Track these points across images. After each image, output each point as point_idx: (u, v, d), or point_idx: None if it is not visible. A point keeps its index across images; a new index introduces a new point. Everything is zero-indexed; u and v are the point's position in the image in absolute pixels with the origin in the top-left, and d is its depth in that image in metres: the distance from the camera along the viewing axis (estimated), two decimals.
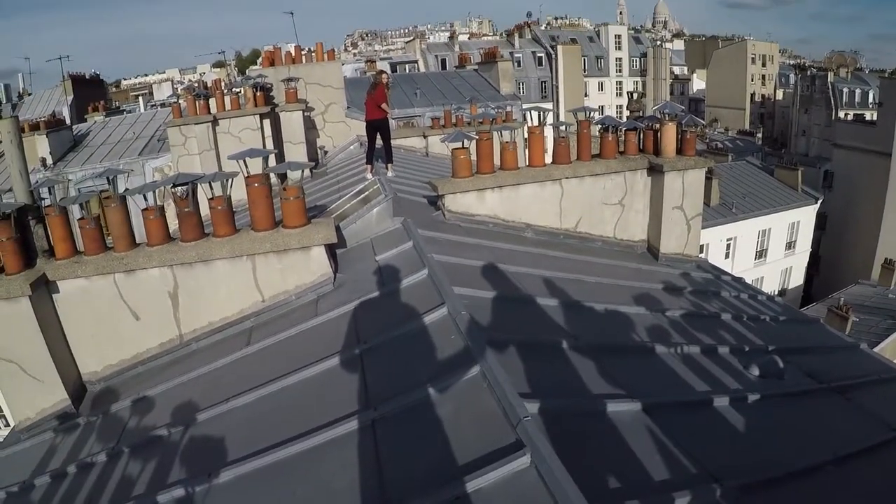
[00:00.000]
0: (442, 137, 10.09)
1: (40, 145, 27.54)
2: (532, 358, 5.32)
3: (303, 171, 7.56)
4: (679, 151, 10.40)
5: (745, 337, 7.60)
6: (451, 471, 3.85)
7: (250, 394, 5.71)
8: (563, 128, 10.63)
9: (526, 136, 10.38)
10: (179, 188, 7.13)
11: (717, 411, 5.30)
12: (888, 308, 33.60)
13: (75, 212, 7.31)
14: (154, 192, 7.25)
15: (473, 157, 9.81)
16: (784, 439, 5.33)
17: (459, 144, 9.63)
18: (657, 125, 10.56)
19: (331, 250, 7.92)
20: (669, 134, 10.30)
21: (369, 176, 13.46)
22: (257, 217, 7.45)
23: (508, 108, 25.85)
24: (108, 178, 7.35)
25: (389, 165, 14.23)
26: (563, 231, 10.37)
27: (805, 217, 44.68)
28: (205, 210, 7.33)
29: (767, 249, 43.33)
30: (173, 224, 7.47)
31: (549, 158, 10.27)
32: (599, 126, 10.63)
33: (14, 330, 6.81)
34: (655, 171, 10.39)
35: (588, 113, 10.46)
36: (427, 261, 7.09)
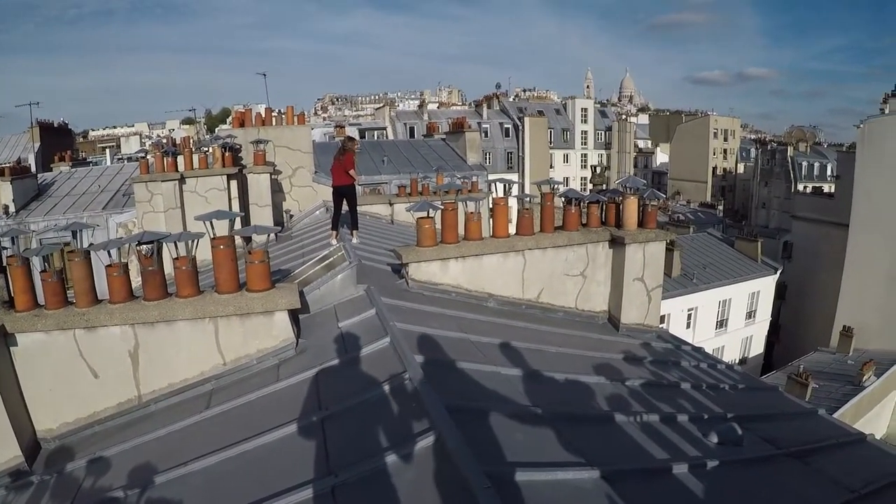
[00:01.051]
0: (407, 206, 10.19)
1: (3, 192, 27.32)
2: (492, 426, 5.36)
3: (269, 236, 7.64)
4: (640, 224, 10.59)
5: (703, 405, 7.70)
6: None
7: (209, 457, 5.66)
8: (527, 199, 10.78)
9: (491, 206, 10.52)
10: (144, 246, 7.12)
11: (676, 478, 5.35)
12: (846, 374, 34.06)
13: (37, 264, 7.26)
14: (118, 248, 7.24)
15: (438, 227, 9.90)
16: None
17: (424, 214, 9.75)
18: (619, 198, 10.75)
19: (294, 315, 7.91)
20: (631, 207, 10.51)
21: (334, 242, 13.63)
22: (222, 279, 7.45)
23: (475, 178, 26.21)
24: (72, 232, 7.36)
25: (354, 232, 14.37)
26: (525, 301, 10.44)
27: (765, 287, 45.87)
28: (169, 269, 7.32)
29: (728, 319, 44.14)
30: (136, 282, 7.44)
31: (513, 229, 10.42)
32: (563, 198, 10.80)
33: None
34: (617, 243, 10.55)
35: (552, 185, 10.66)
36: (389, 329, 7.16)
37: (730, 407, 7.82)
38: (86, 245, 7.36)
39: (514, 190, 11.00)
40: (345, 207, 14.58)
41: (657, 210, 10.94)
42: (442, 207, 9.81)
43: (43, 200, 29.47)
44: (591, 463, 5.04)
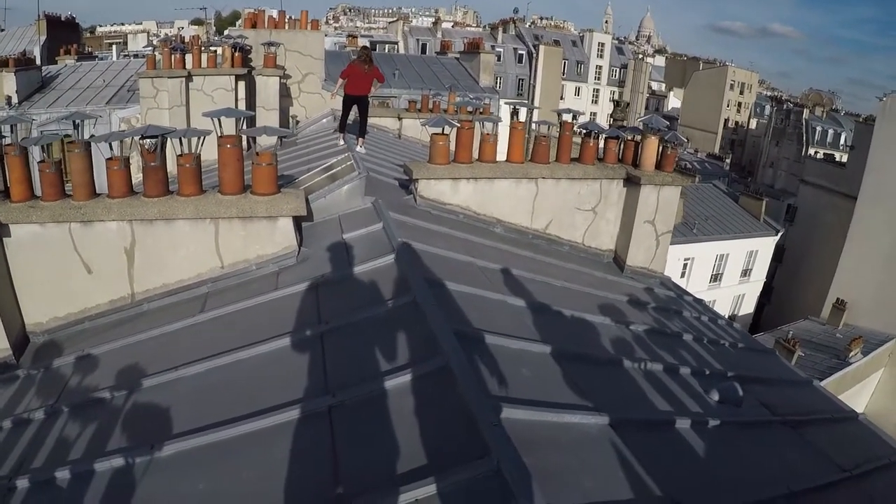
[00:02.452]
0: (422, 121, 9.85)
1: (7, 83, 26.74)
2: (500, 358, 5.14)
3: (278, 139, 7.31)
4: (658, 166, 10.29)
5: (704, 360, 7.50)
6: (411, 469, 3.69)
7: (201, 364, 5.44)
8: (545, 127, 10.42)
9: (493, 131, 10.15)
10: (148, 140, 6.79)
11: (678, 433, 5.21)
12: (834, 347, 33.89)
13: (36, 154, 6.93)
14: (121, 141, 6.95)
15: (451, 146, 9.60)
16: (741, 468, 5.26)
17: (440, 130, 9.40)
18: (639, 137, 10.42)
19: (297, 223, 7.65)
20: (651, 147, 10.17)
21: (341, 143, 14.08)
22: (226, 179, 7.15)
23: (486, 101, 25.60)
24: (73, 122, 7.01)
25: (361, 140, 14.13)
26: (532, 231, 10.19)
27: (764, 247, 45.27)
28: (172, 167, 7.04)
29: (723, 274, 43.69)
30: (137, 177, 7.15)
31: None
32: (582, 130, 10.46)
33: None
34: (632, 182, 10.24)
35: (574, 115, 10.33)
36: (396, 245, 6.89)
37: (729, 365, 7.62)
38: (87, 137, 7.03)
39: (536, 116, 10.55)
40: (353, 116, 14.56)
41: (676, 154, 10.57)
42: (458, 125, 9.45)
43: (46, 93, 28.87)
44: (598, 408, 4.85)
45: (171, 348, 6.08)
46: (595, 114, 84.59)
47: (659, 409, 5.58)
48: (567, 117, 10.22)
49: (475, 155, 9.82)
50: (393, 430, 4.11)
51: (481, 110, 20.03)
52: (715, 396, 6.17)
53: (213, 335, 6.11)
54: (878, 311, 36.42)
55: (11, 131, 7.06)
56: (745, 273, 45.16)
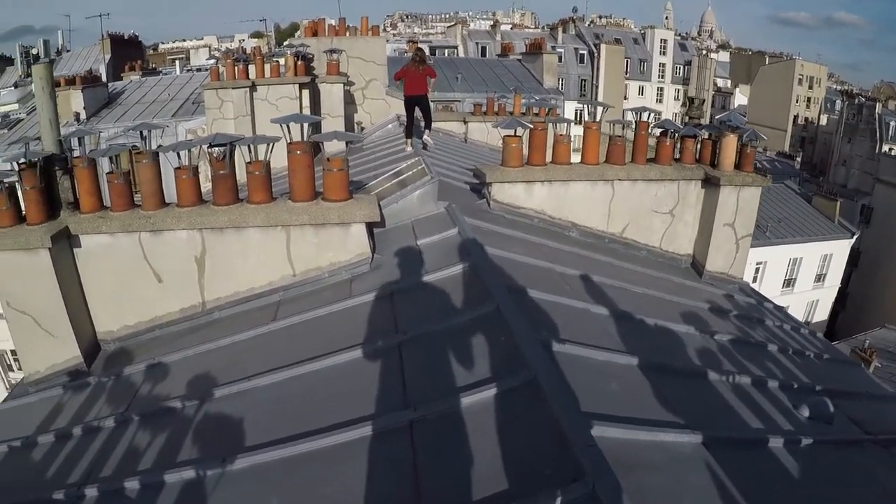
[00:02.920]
0: (493, 124, 9.56)
1: (75, 100, 27.54)
2: (588, 371, 4.86)
3: (347, 144, 7.12)
4: (737, 166, 9.81)
5: (791, 372, 7.14)
6: (498, 491, 3.43)
7: (274, 374, 5.26)
8: (619, 127, 10.06)
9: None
10: (216, 149, 6.69)
11: (771, 453, 4.86)
12: None
13: (104, 165, 6.89)
14: (188, 150, 6.85)
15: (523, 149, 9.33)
16: (835, 490, 4.93)
17: (512, 132, 9.13)
18: (717, 135, 9.98)
19: (370, 229, 7.43)
20: (730, 146, 9.70)
21: (409, 148, 14.11)
22: (297, 186, 6.99)
23: (552, 102, 25.25)
24: (140, 133, 6.93)
25: (427, 132, 14.76)
26: (608, 235, 9.85)
27: (839, 251, 43.46)
28: (240, 175, 6.93)
29: (796, 279, 42.25)
30: (206, 186, 7.04)
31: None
32: (657, 130, 10.12)
33: (31, 282, 6.46)
34: (711, 183, 9.79)
35: (650, 114, 9.96)
36: (473, 251, 6.64)
37: (816, 378, 7.23)
38: (154, 147, 6.96)
39: (612, 114, 10.18)
40: (417, 114, 14.92)
41: (755, 152, 10.09)
42: (531, 126, 9.17)
43: (113, 108, 29.63)
44: (690, 426, 4.51)
45: (243, 357, 5.93)
46: (660, 113, 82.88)
47: (750, 425, 5.26)
48: (644, 116, 9.83)
49: (548, 157, 9.52)
50: (478, 447, 3.84)
51: (549, 110, 19.70)
52: (805, 412, 5.86)
53: (287, 344, 5.93)
54: None
55: (79, 144, 7.01)
56: (819, 278, 43.47)
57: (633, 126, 9.86)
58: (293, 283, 7.10)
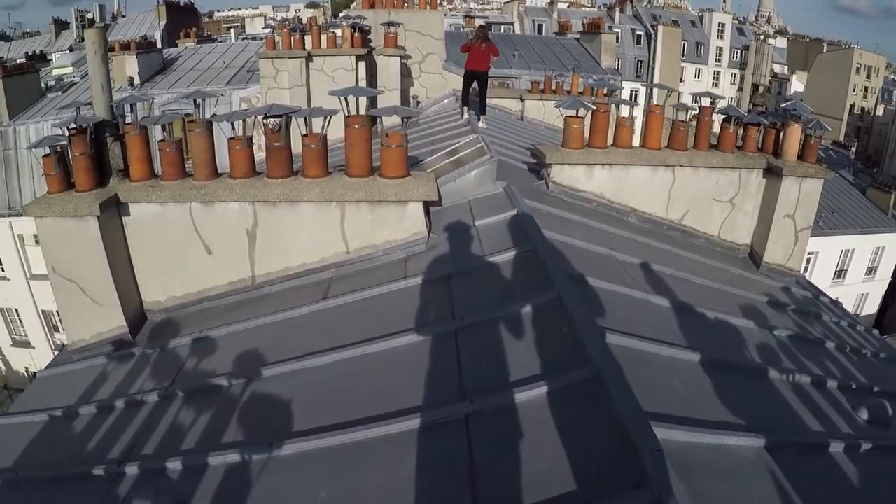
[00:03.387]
0: (555, 102, 9.28)
1: (129, 65, 27.78)
2: (652, 367, 4.67)
3: (405, 120, 6.87)
4: (800, 156, 9.54)
5: (849, 371, 6.95)
6: (559, 494, 3.24)
7: (325, 355, 5.08)
8: (682, 111, 9.74)
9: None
10: (272, 120, 6.49)
11: (832, 458, 4.70)
12: None
13: (157, 133, 6.75)
14: (243, 120, 6.65)
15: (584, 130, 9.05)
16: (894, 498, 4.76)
17: (574, 112, 8.85)
18: (780, 124, 9.68)
19: (426, 208, 7.20)
20: (794, 136, 9.41)
21: (465, 115, 14.73)
22: (353, 161, 6.78)
23: (613, 83, 24.72)
24: (194, 101, 6.73)
25: (482, 117, 14.62)
26: (667, 221, 9.59)
27: (891, 243, 42.53)
28: (296, 148, 6.71)
29: (847, 270, 41.38)
30: (260, 157, 6.88)
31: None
32: (720, 115, 9.80)
33: (78, 249, 6.38)
34: (773, 173, 9.50)
35: (712, 99, 9.64)
36: (533, 235, 6.37)
37: (874, 378, 6.99)
38: (208, 116, 6.78)
39: (675, 98, 9.85)
40: (473, 93, 15.04)
41: (818, 142, 9.76)
42: (594, 108, 8.87)
43: (167, 74, 29.73)
44: (752, 428, 4.34)
45: (293, 335, 5.78)
46: (722, 98, 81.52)
47: (811, 428, 5.09)
48: (706, 101, 9.52)
49: (609, 139, 9.25)
50: (537, 445, 3.64)
51: (612, 92, 19.16)
52: (864, 415, 5.72)
53: (339, 324, 5.76)
54: None
55: (132, 110, 6.93)
56: (871, 271, 42.53)
57: (696, 111, 9.60)
58: (346, 260, 6.91)
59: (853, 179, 47.12)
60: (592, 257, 6.81)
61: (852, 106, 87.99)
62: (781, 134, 9.61)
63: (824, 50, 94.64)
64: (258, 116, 6.60)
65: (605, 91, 18.00)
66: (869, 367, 7.50)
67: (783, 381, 5.66)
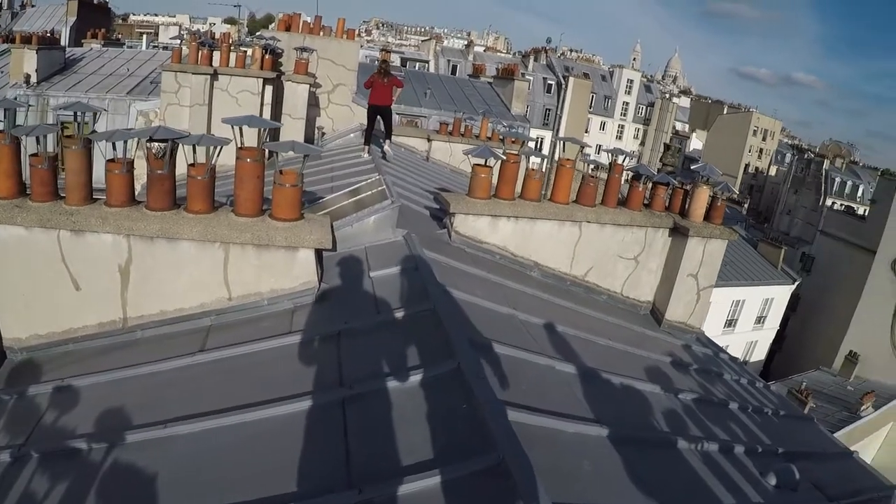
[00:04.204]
0: (465, 149, 8.95)
1: (28, 61, 26.01)
2: (559, 448, 4.43)
3: (305, 158, 6.35)
4: (706, 217, 9.61)
5: (753, 434, 7.11)
6: None
7: (197, 422, 4.48)
8: (591, 167, 9.61)
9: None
10: (157, 144, 5.80)
11: None
12: (845, 399, 34.44)
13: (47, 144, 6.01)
14: (125, 141, 5.95)
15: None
16: None
17: (483, 161, 8.53)
18: (689, 185, 9.81)
19: (318, 255, 6.68)
20: (702, 197, 9.48)
21: (366, 155, 14.80)
22: (242, 199, 6.18)
23: (520, 130, 24.77)
24: (74, 114, 6.07)
25: (387, 142, 15.32)
26: (571, 277, 9.40)
27: (780, 295, 45.16)
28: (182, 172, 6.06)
29: (738, 320, 43.35)
30: (141, 184, 6.23)
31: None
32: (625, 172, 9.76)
33: None
34: (679, 232, 9.55)
35: (625, 157, 9.58)
36: (433, 293, 5.98)
37: (777, 438, 7.28)
38: (88, 132, 6.11)
39: (592, 154, 9.72)
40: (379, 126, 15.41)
41: (725, 205, 9.83)
42: (504, 158, 8.57)
43: (67, 75, 28.03)
44: None
45: (164, 393, 5.15)
46: (619, 149, 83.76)
47: (723, 502, 5.08)
48: (619, 159, 9.48)
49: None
50: None
51: (524, 141, 19.03)
52: (772, 480, 5.85)
53: (214, 383, 5.17)
54: (889, 365, 37.40)
55: (4, 116, 6.13)
56: (760, 320, 45.01)
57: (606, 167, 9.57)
58: (228, 307, 6.29)
59: (745, 234, 49.97)
60: (495, 318, 6.47)
61: (747, 165, 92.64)
62: (689, 195, 9.66)
63: (725, 111, 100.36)
64: (143, 138, 5.90)
65: (515, 141, 17.87)
66: (771, 427, 7.73)
67: (692, 450, 5.60)
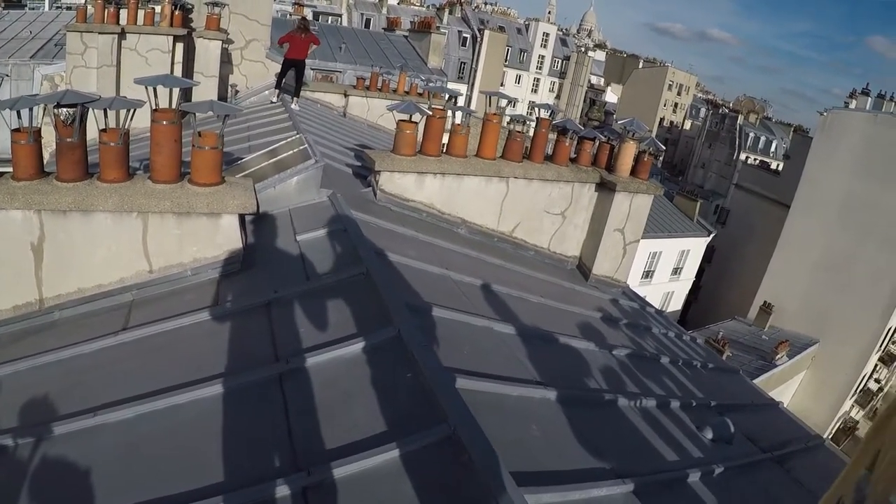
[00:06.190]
0: (388, 105, 8.69)
1: None
2: (507, 413, 4.35)
3: (224, 119, 6.02)
4: (632, 173, 9.73)
5: (686, 387, 7.30)
6: None
7: (126, 407, 4.15)
8: (520, 121, 9.49)
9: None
10: (64, 109, 5.38)
11: (691, 488, 4.85)
12: (760, 349, 35.54)
13: None
14: (31, 109, 5.46)
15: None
16: None
17: (407, 117, 8.32)
18: (615, 140, 9.93)
19: (242, 220, 6.35)
20: (628, 152, 9.60)
21: (274, 99, 16.55)
22: (159, 165, 5.82)
23: (438, 83, 24.49)
24: None
25: (295, 99, 16.17)
26: (498, 233, 9.39)
27: (695, 247, 46.09)
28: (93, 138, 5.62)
29: (654, 271, 44.18)
30: (50, 152, 5.82)
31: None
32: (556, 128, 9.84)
33: None
34: (605, 187, 9.67)
35: (550, 112, 9.59)
36: (365, 255, 5.79)
37: (707, 392, 7.51)
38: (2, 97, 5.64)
39: (505, 106, 9.54)
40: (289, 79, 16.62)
41: (652, 160, 9.91)
42: (430, 113, 8.38)
43: None
44: (618, 472, 4.25)
45: (89, 377, 4.81)
46: (534, 101, 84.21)
47: (668, 459, 5.15)
48: (544, 113, 9.60)
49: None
50: None
51: (445, 96, 18.71)
52: (709, 434, 6.00)
53: (141, 363, 4.86)
54: (802, 315, 38.39)
55: None
56: (676, 271, 45.91)
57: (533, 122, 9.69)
58: (150, 280, 5.94)
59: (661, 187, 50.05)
60: (428, 279, 6.36)
61: (662, 119, 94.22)
62: (616, 150, 9.76)
63: (640, 66, 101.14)
64: (49, 104, 5.46)
65: (442, 95, 17.55)
66: (701, 380, 7.93)
67: (631, 407, 5.64)
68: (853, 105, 42.74)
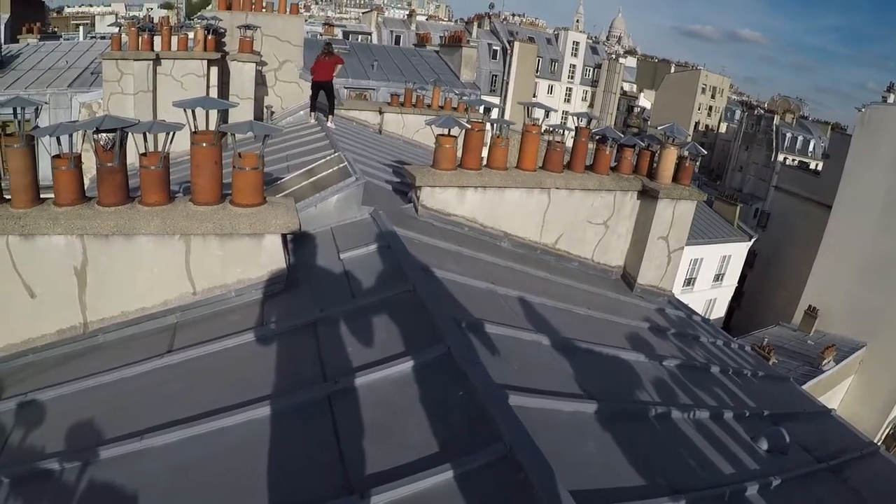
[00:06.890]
0: (427, 119, 8.63)
1: None
2: (560, 430, 4.27)
3: (264, 139, 5.96)
4: (674, 179, 9.48)
5: (738, 397, 7.14)
6: None
7: (172, 431, 4.11)
8: (561, 132, 9.40)
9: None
10: (104, 135, 5.38)
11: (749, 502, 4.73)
12: (806, 354, 34.42)
13: None
14: (71, 135, 5.50)
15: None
16: None
17: (446, 131, 8.23)
18: (656, 146, 9.68)
19: (285, 240, 6.31)
20: (669, 158, 9.35)
21: (311, 120, 16.80)
22: (200, 186, 5.80)
23: (473, 96, 24.49)
24: (14, 111, 5.62)
25: (330, 117, 16.50)
26: (541, 245, 9.23)
27: (737, 252, 45.39)
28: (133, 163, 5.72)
29: (696, 278, 43.50)
30: (91, 178, 5.82)
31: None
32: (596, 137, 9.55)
33: None
34: (648, 195, 9.43)
35: (590, 121, 9.48)
36: (411, 271, 5.72)
37: (759, 401, 7.32)
38: (30, 129, 5.64)
39: (553, 118, 9.48)
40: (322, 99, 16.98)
41: (693, 165, 9.71)
42: (468, 127, 8.29)
43: (5, 73, 26.97)
44: (676, 489, 4.15)
45: (135, 400, 4.78)
46: (567, 112, 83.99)
47: (724, 472, 5.03)
48: (583, 122, 9.36)
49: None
50: None
51: (481, 108, 18.62)
52: (763, 445, 5.86)
53: (186, 386, 4.82)
54: (848, 318, 37.01)
55: None
56: (718, 278, 45.20)
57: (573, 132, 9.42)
58: (193, 302, 5.92)
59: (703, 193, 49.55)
60: (474, 294, 6.25)
61: (697, 123, 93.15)
62: (657, 156, 9.54)
63: (672, 70, 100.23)
64: (89, 130, 5.50)
65: (478, 109, 17.46)
66: (752, 389, 7.79)
67: (684, 419, 5.56)
68: (891, 99, 41.49)
